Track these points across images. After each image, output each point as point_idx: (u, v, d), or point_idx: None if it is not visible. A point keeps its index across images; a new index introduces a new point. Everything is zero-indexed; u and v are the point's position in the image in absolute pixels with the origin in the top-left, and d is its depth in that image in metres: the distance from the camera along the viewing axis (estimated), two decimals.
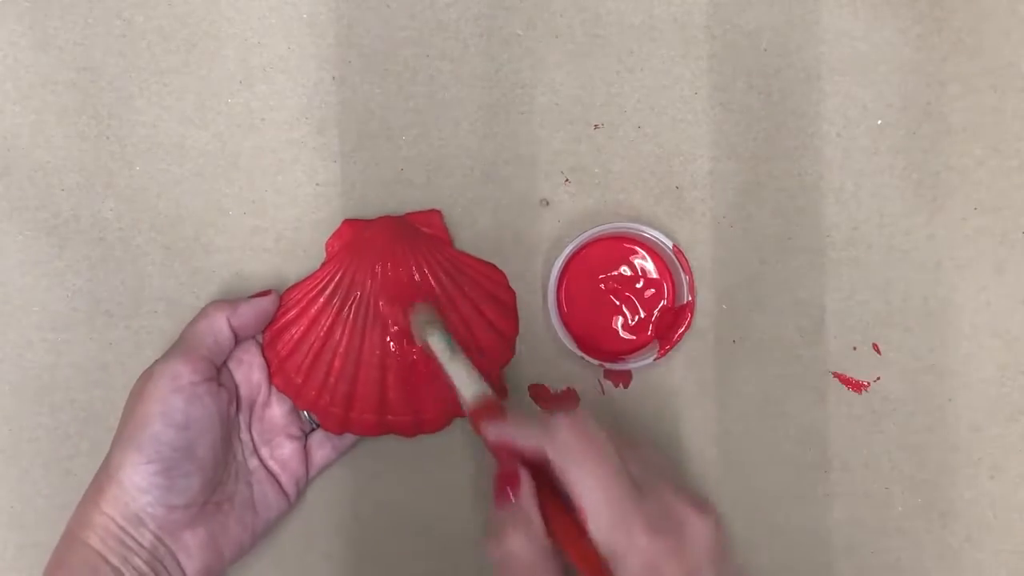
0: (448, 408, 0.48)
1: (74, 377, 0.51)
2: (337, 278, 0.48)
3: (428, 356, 0.45)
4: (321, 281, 0.48)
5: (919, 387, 0.51)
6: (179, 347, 0.45)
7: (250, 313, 0.47)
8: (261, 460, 0.48)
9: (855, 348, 0.51)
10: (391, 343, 0.47)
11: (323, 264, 0.49)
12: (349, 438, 0.49)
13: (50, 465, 0.50)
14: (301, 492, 0.49)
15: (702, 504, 0.39)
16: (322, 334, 0.47)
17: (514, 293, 0.50)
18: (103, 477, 0.44)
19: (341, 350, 0.47)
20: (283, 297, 0.48)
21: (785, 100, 0.51)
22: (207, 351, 0.45)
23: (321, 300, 0.48)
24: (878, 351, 0.51)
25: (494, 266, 0.50)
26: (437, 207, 0.50)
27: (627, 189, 0.51)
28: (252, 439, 0.48)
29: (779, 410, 0.51)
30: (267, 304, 0.47)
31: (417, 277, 0.47)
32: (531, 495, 0.40)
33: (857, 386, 0.51)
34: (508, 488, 0.40)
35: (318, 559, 0.50)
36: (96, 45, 0.51)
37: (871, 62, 0.51)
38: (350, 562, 0.50)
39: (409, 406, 0.48)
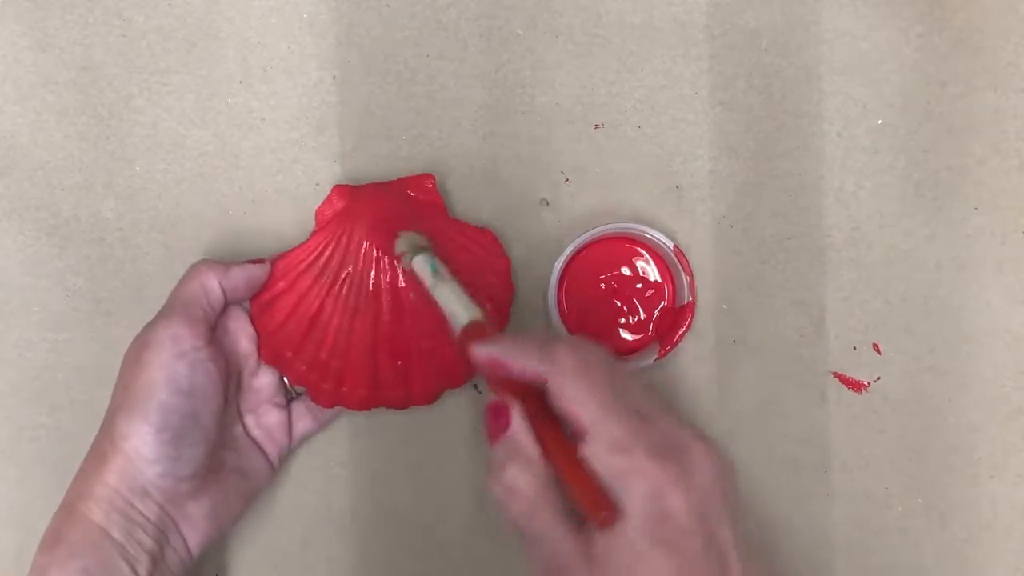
0: (439, 381, 0.48)
1: (74, 377, 0.51)
2: (328, 251, 0.47)
3: (415, 282, 0.44)
4: (311, 253, 0.47)
5: (919, 387, 0.51)
6: (174, 308, 0.44)
7: (241, 277, 0.46)
8: (245, 429, 0.47)
9: (855, 348, 0.51)
10: (386, 319, 0.47)
11: (313, 234, 0.48)
12: (332, 411, 0.49)
13: (50, 465, 0.50)
14: (283, 461, 0.49)
15: (705, 436, 0.38)
16: (313, 310, 0.47)
17: (508, 260, 0.49)
18: (106, 447, 0.42)
19: (333, 326, 0.47)
20: (273, 265, 0.47)
21: (785, 100, 0.51)
22: (202, 312, 0.44)
23: (311, 274, 0.47)
24: (878, 351, 0.51)
25: (488, 231, 0.49)
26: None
27: (627, 189, 0.51)
28: (238, 408, 0.47)
29: (779, 410, 0.51)
30: (259, 272, 0.46)
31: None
32: (523, 424, 0.38)
33: (857, 386, 0.51)
34: (499, 419, 0.39)
35: (318, 559, 0.50)
36: (96, 45, 0.51)
37: (871, 62, 0.51)
38: (350, 562, 0.50)
39: (401, 380, 0.47)
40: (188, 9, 0.51)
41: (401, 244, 0.45)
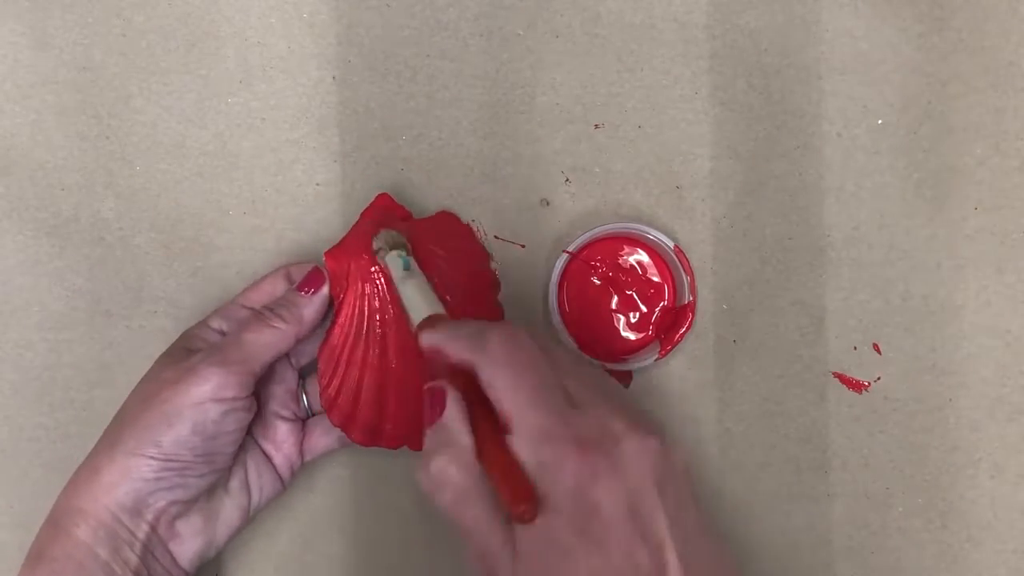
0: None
1: (74, 377, 0.51)
2: (356, 314, 0.46)
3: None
4: (347, 323, 0.46)
5: (919, 387, 0.51)
6: (234, 354, 0.43)
7: (312, 325, 0.45)
8: (255, 439, 0.47)
9: (855, 348, 0.51)
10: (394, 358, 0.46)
11: (338, 308, 0.46)
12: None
13: (50, 465, 0.50)
14: (295, 475, 0.48)
15: (646, 423, 0.35)
16: (369, 371, 0.46)
17: (469, 225, 0.50)
18: (103, 461, 0.41)
19: (391, 377, 0.46)
20: (324, 352, 0.46)
21: (785, 100, 0.51)
22: (259, 367, 0.43)
23: (362, 342, 0.46)
24: (878, 351, 0.51)
25: (446, 212, 0.50)
26: (438, 207, 0.50)
27: (627, 189, 0.51)
28: None
29: (779, 410, 0.51)
30: (322, 304, 0.45)
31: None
32: (458, 411, 0.37)
33: (857, 386, 0.51)
34: (434, 404, 0.37)
35: (318, 559, 0.50)
36: (96, 45, 0.51)
37: (872, 61, 0.51)
38: (350, 562, 0.50)
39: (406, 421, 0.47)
40: (188, 9, 0.51)
41: (378, 240, 0.45)
